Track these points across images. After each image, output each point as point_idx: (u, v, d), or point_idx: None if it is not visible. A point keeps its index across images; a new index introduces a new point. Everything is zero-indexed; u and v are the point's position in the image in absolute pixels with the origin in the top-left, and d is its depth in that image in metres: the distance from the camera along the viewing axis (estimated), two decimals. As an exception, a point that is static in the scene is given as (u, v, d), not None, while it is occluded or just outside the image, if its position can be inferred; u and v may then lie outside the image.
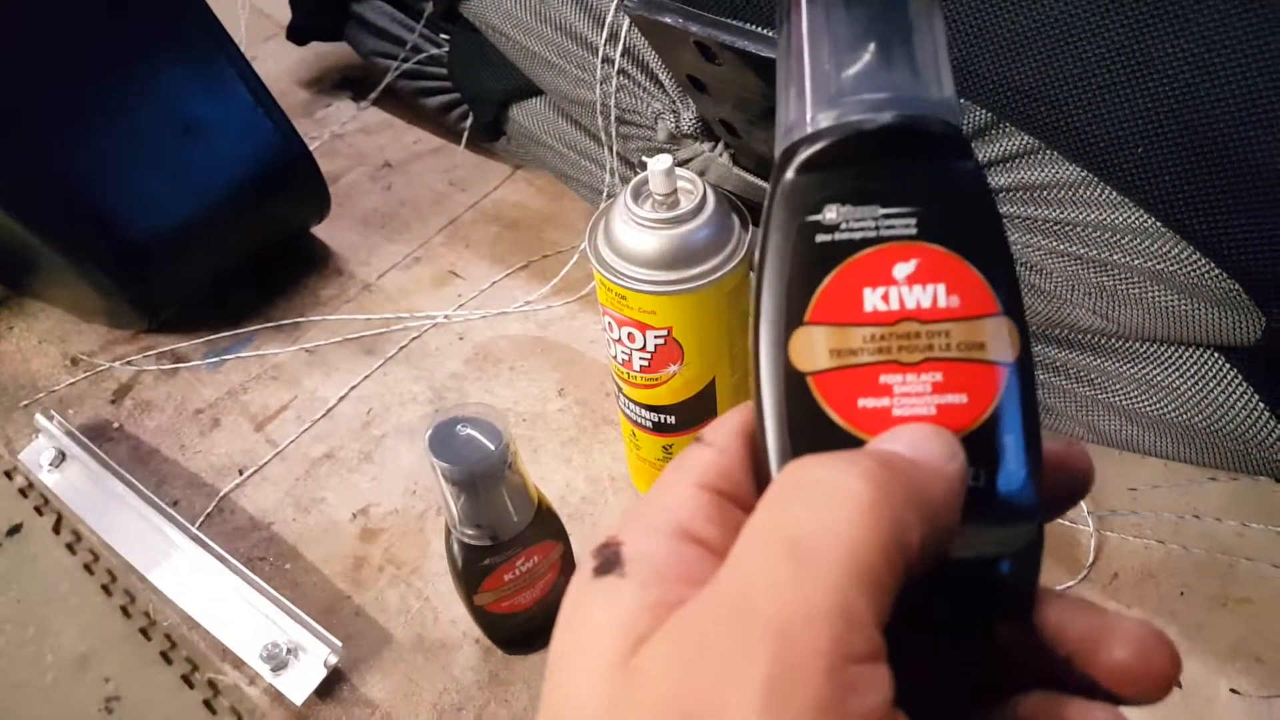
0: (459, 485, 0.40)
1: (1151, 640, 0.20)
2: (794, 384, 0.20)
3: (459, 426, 0.40)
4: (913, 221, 0.21)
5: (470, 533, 0.42)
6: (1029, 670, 0.21)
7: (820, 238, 0.21)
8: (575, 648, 0.19)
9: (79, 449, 0.60)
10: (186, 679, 0.53)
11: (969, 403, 0.20)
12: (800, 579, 0.16)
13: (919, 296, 0.20)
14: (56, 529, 0.61)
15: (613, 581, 0.19)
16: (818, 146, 0.21)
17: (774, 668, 0.15)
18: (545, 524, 0.45)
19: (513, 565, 0.44)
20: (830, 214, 0.21)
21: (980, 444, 0.20)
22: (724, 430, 0.22)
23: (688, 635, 0.17)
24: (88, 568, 0.59)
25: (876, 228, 0.20)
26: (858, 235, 0.21)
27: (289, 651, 0.48)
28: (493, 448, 0.39)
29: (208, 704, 0.52)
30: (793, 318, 0.21)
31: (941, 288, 0.20)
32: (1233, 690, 0.45)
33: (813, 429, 0.20)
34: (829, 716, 0.15)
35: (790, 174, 0.21)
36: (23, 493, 0.64)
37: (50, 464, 0.59)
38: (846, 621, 0.16)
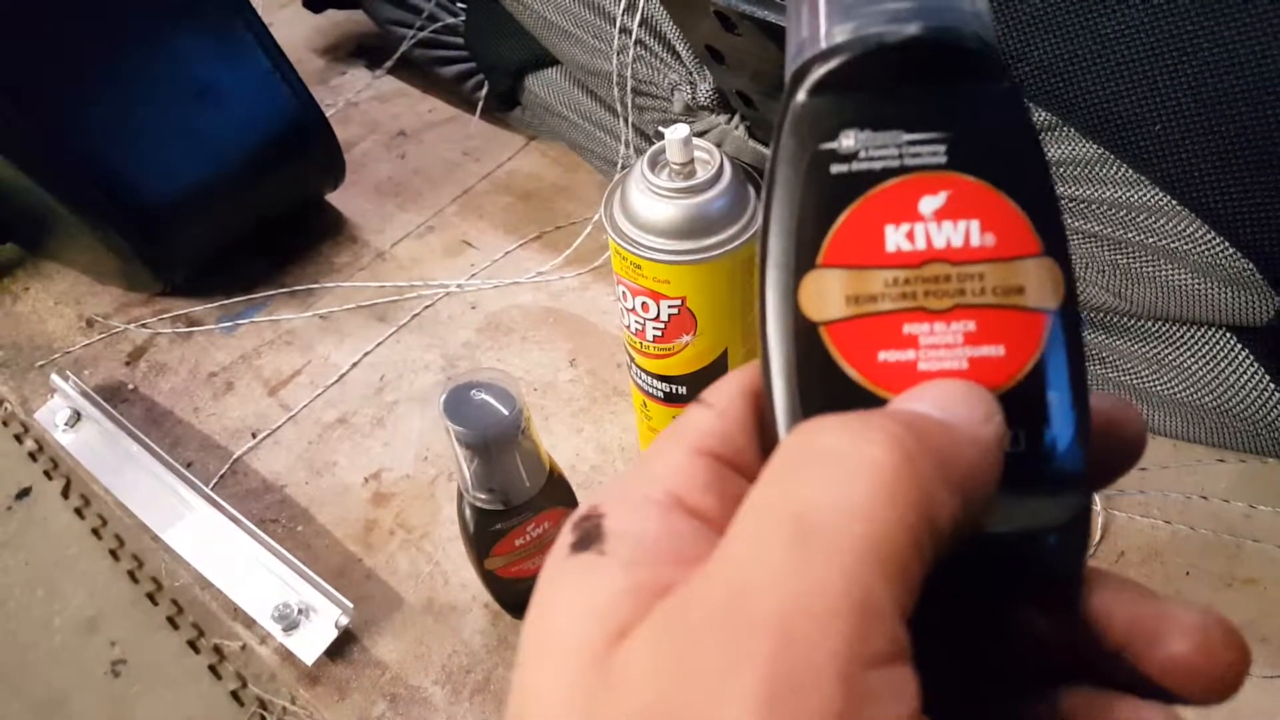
0: (472, 449, 0.40)
1: (1218, 632, 0.17)
2: (805, 335, 0.18)
3: (473, 391, 0.40)
4: (942, 149, 0.18)
5: (482, 497, 0.42)
6: (1071, 661, 0.19)
7: (836, 168, 0.18)
8: (548, 637, 0.16)
9: (94, 409, 0.60)
10: (193, 644, 0.53)
11: (1006, 356, 0.18)
12: (808, 565, 0.14)
13: (949, 234, 0.18)
14: (65, 493, 0.61)
15: (591, 559, 0.17)
16: (833, 64, 0.19)
17: (775, 672, 0.13)
18: (557, 490, 0.45)
19: (524, 530, 0.44)
20: (847, 141, 0.18)
21: (1020, 403, 0.18)
22: (726, 390, 0.20)
23: (674, 630, 0.14)
24: (96, 532, 0.59)
25: (900, 156, 0.18)
26: (879, 165, 0.18)
27: (300, 612, 0.49)
28: (506, 413, 0.40)
29: (213, 669, 0.52)
30: (804, 260, 0.18)
31: (975, 224, 0.18)
32: (1235, 669, 0.46)
33: (826, 386, 0.18)
34: None
35: (801, 96, 0.19)
36: (32, 456, 0.64)
37: (65, 424, 0.60)
38: (863, 616, 0.13)
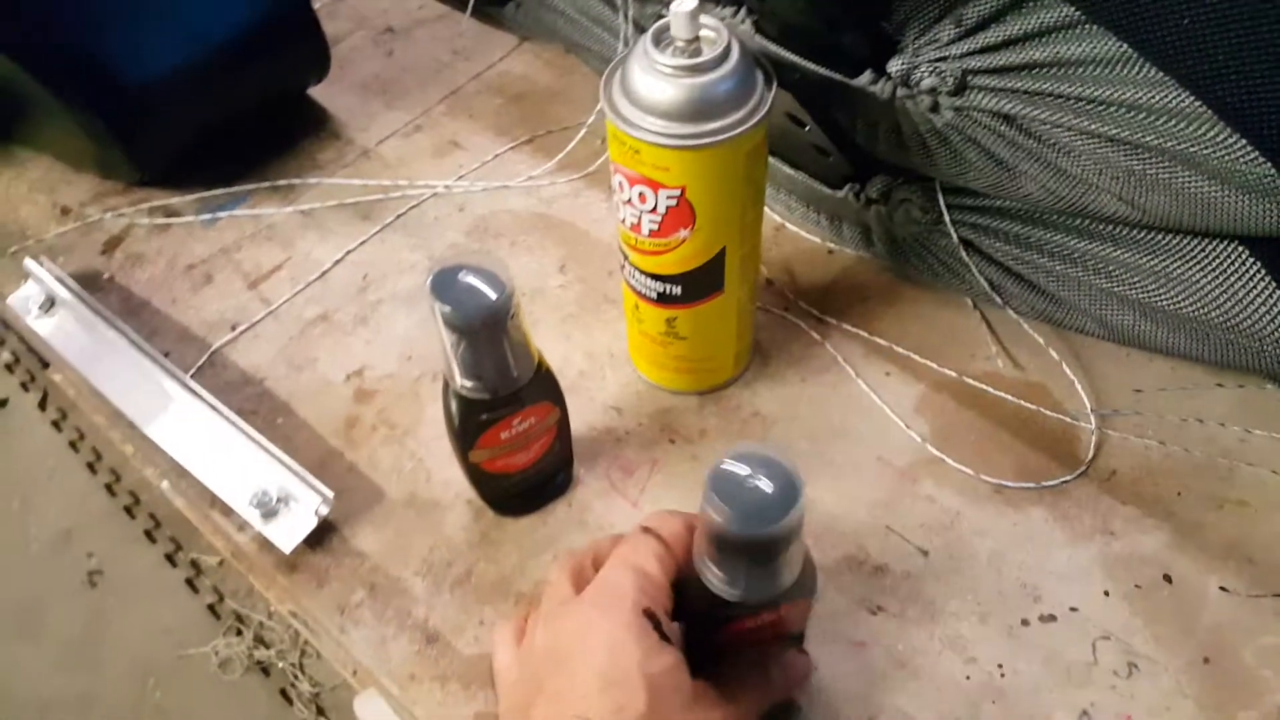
0: (460, 332, 0.38)
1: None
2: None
3: (461, 273, 0.39)
4: None
5: (469, 384, 0.41)
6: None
7: None
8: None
9: (69, 295, 0.58)
10: (170, 557, 0.53)
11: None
12: (630, 575, 0.35)
13: None
14: (43, 405, 0.60)
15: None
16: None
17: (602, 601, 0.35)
18: (544, 385, 0.44)
19: (510, 423, 0.43)
20: None
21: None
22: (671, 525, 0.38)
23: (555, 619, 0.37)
24: (74, 445, 0.58)
25: None
26: None
27: (279, 500, 0.48)
28: (495, 296, 0.38)
29: (190, 583, 0.51)
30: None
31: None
32: (1222, 588, 0.45)
33: None
34: (630, 612, 0.34)
35: None
36: (9, 368, 0.63)
37: (40, 308, 0.58)
38: (641, 591, 0.35)
